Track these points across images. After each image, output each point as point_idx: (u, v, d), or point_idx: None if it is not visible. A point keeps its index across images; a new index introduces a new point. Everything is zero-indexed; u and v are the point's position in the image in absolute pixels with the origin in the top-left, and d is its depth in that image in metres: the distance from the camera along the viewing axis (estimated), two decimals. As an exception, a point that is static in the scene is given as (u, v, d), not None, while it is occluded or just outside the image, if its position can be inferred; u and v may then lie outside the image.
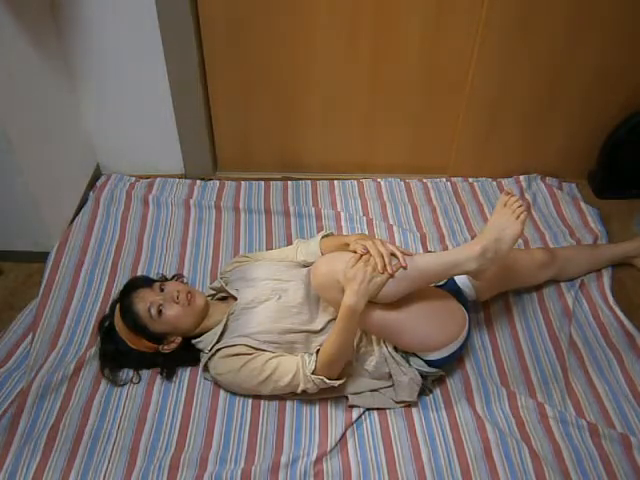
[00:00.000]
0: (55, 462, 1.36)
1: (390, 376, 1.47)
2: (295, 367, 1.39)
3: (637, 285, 1.84)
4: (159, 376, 1.55)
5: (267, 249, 1.94)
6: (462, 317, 1.46)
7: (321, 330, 1.48)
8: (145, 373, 1.56)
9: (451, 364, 1.54)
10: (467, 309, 1.50)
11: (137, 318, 1.46)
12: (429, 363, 1.44)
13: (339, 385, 1.42)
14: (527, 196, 2.13)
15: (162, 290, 1.51)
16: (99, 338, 1.58)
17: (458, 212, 2.11)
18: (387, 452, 1.40)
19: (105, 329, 1.56)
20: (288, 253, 1.67)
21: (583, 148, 2.19)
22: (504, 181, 2.23)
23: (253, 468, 1.36)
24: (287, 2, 1.83)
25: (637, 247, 1.84)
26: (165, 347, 1.51)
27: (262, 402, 1.50)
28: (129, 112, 2.10)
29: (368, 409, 1.48)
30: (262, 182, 2.23)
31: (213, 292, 1.67)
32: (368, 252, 1.33)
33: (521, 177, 2.21)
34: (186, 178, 2.26)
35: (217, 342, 1.49)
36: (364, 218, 2.06)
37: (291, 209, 2.09)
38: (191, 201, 2.12)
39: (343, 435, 1.43)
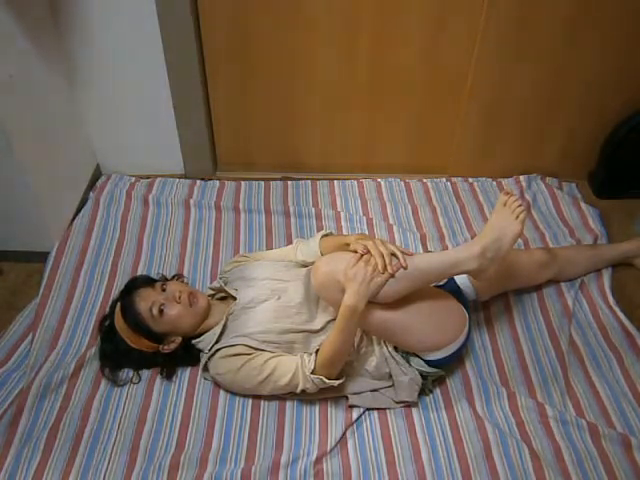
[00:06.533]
0: (55, 462, 1.37)
1: (390, 376, 1.47)
2: (294, 367, 1.39)
3: (637, 285, 1.84)
4: (159, 376, 1.55)
5: (267, 249, 1.94)
6: (462, 317, 1.46)
7: (320, 330, 1.48)
8: (145, 373, 1.56)
9: (451, 364, 1.54)
10: (467, 309, 1.50)
11: (138, 317, 1.46)
12: (429, 363, 1.44)
13: (339, 385, 1.42)
14: (527, 196, 2.13)
15: (164, 290, 1.51)
16: (99, 338, 1.58)
17: (458, 212, 2.11)
18: (387, 452, 1.40)
19: (105, 329, 1.56)
20: (287, 253, 1.67)
21: (583, 148, 2.19)
22: (504, 181, 2.23)
23: (253, 468, 1.36)
24: (287, 2, 1.84)
25: (637, 247, 1.84)
26: (165, 347, 1.51)
27: (262, 402, 1.50)
28: (129, 112, 2.10)
29: (368, 409, 1.48)
30: (262, 182, 2.23)
31: (212, 292, 1.67)
32: (369, 252, 1.33)
33: (521, 177, 2.21)
34: (186, 178, 2.26)
35: (216, 342, 1.49)
36: (364, 218, 2.06)
37: (291, 209, 2.09)
38: (191, 201, 2.12)
39: (343, 435, 1.43)
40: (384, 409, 1.48)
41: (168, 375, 1.55)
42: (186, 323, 1.50)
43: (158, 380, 1.55)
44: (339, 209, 2.12)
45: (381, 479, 1.36)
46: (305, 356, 1.41)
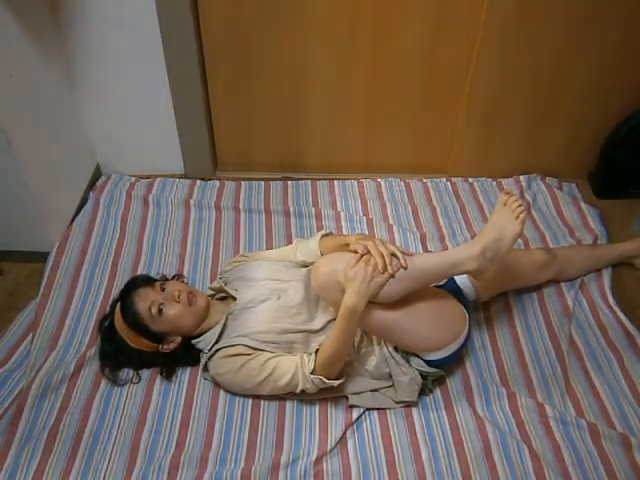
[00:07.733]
0: (55, 462, 1.37)
1: (390, 376, 1.47)
2: (294, 367, 1.39)
3: (637, 285, 1.84)
4: (159, 376, 1.55)
5: (267, 249, 1.94)
6: (462, 317, 1.46)
7: (320, 330, 1.48)
8: (145, 373, 1.56)
9: (451, 364, 1.54)
10: (467, 309, 1.50)
11: (138, 317, 1.46)
12: (429, 363, 1.44)
13: (339, 385, 1.42)
14: (527, 196, 2.13)
15: (163, 289, 1.51)
16: (99, 337, 1.58)
17: (458, 212, 2.11)
18: (387, 452, 1.40)
19: (105, 328, 1.57)
20: (287, 253, 1.67)
21: (583, 148, 2.18)
22: (504, 181, 2.23)
23: (253, 468, 1.36)
24: (287, 2, 1.83)
25: (637, 247, 1.84)
26: (165, 347, 1.51)
27: (262, 402, 1.50)
28: (129, 112, 2.10)
29: (368, 409, 1.48)
30: (262, 182, 2.23)
31: (212, 292, 1.67)
32: (369, 252, 1.33)
33: (521, 177, 2.21)
34: (186, 178, 2.26)
35: (216, 342, 1.49)
36: (364, 218, 2.06)
37: (291, 209, 2.09)
38: (191, 201, 2.12)
39: (343, 435, 1.43)
40: (384, 409, 1.48)
41: (168, 375, 1.55)
42: (185, 323, 1.50)
43: (158, 380, 1.55)
44: (339, 209, 2.12)
45: (381, 479, 1.36)
46: (305, 356, 1.41)
